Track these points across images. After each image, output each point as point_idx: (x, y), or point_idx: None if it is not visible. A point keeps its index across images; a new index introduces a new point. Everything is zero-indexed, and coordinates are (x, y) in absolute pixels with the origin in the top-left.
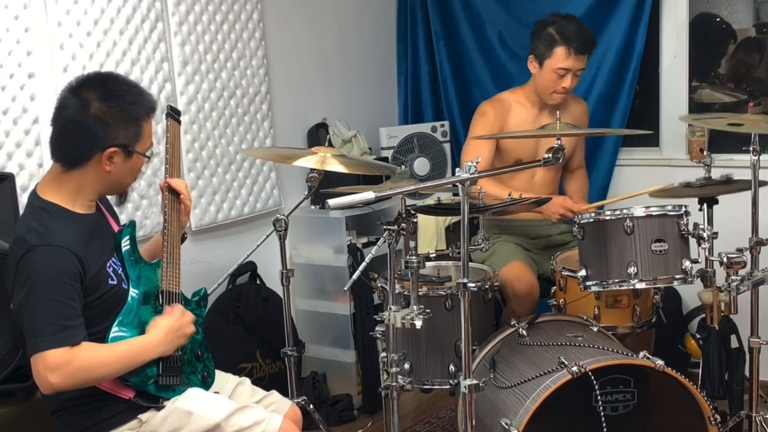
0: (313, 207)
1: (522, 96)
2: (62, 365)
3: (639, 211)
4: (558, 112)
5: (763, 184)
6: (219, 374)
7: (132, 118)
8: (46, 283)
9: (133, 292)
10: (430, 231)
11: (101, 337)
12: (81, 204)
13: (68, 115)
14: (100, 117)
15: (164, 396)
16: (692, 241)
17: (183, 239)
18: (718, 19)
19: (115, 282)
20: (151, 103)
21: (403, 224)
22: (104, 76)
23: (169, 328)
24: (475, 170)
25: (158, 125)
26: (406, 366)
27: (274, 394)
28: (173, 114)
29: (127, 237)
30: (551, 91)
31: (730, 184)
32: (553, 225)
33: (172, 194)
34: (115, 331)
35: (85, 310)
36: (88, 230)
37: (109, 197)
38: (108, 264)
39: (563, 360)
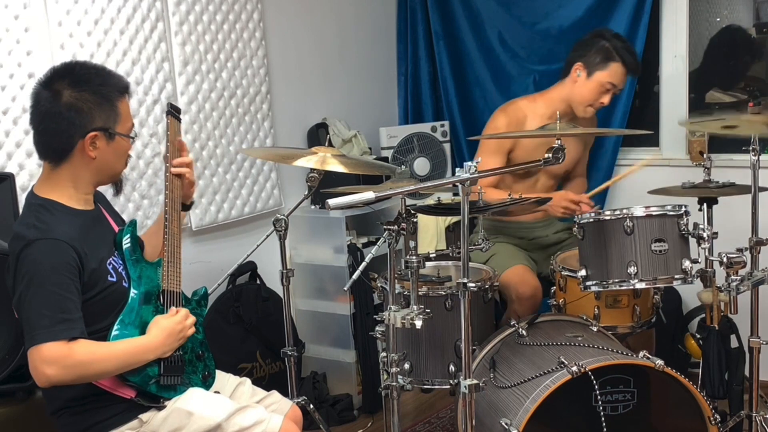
0: (313, 207)
1: (541, 104)
2: (59, 359)
3: (639, 211)
4: (558, 112)
5: (763, 189)
6: (219, 374)
7: (105, 99)
8: (44, 276)
9: (134, 292)
10: (430, 231)
11: (103, 336)
12: (78, 199)
13: (42, 109)
14: (72, 104)
15: (165, 396)
16: (692, 241)
17: (189, 207)
18: (717, 19)
19: (114, 279)
20: (122, 83)
21: (403, 224)
22: (70, 64)
23: (171, 330)
24: (475, 170)
25: (159, 125)
26: (406, 366)
27: (275, 395)
28: (173, 112)
29: (128, 236)
30: (588, 104)
31: (729, 187)
32: (550, 225)
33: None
34: (116, 330)
35: (85, 307)
36: (87, 226)
37: (105, 190)
38: (108, 261)
39: (563, 360)
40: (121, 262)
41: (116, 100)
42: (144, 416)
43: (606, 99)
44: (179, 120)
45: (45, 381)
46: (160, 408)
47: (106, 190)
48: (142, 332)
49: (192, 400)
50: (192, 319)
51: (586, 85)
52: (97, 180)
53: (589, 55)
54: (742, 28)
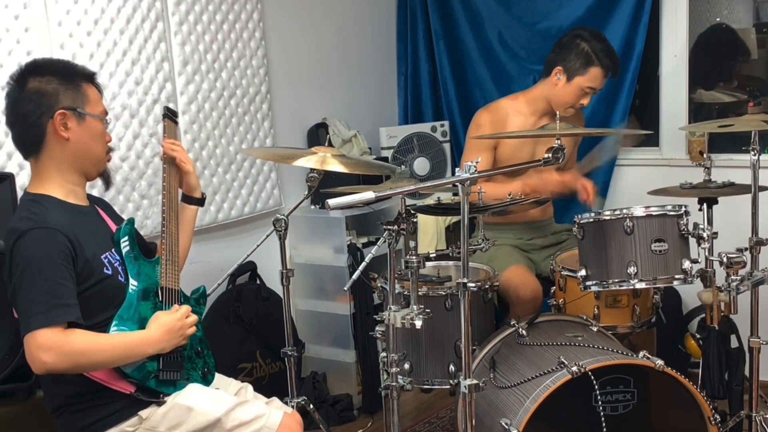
0: (313, 207)
1: (523, 102)
2: (55, 346)
3: (639, 211)
4: (558, 113)
5: (763, 188)
6: (221, 378)
7: (69, 80)
8: (37, 264)
9: (132, 287)
10: (430, 231)
11: (100, 331)
12: (68, 192)
13: (11, 100)
14: (37, 88)
15: (164, 391)
16: (692, 241)
17: (202, 202)
18: (717, 19)
19: (110, 272)
20: (85, 70)
21: (403, 224)
22: (35, 59)
23: (170, 326)
24: (475, 170)
25: (159, 125)
26: (406, 366)
27: (275, 402)
28: (169, 115)
29: (126, 233)
30: (568, 106)
31: (729, 187)
32: (548, 225)
33: (172, 166)
34: (114, 325)
35: (81, 300)
36: (80, 219)
37: (97, 185)
38: (103, 255)
39: (563, 360)
40: (118, 258)
41: (81, 83)
42: (143, 413)
43: (586, 101)
44: (176, 123)
45: (41, 368)
46: (160, 403)
47: (97, 187)
48: (141, 328)
49: (192, 396)
50: (193, 318)
51: (566, 89)
52: (79, 166)
53: (569, 60)
54: (729, 26)
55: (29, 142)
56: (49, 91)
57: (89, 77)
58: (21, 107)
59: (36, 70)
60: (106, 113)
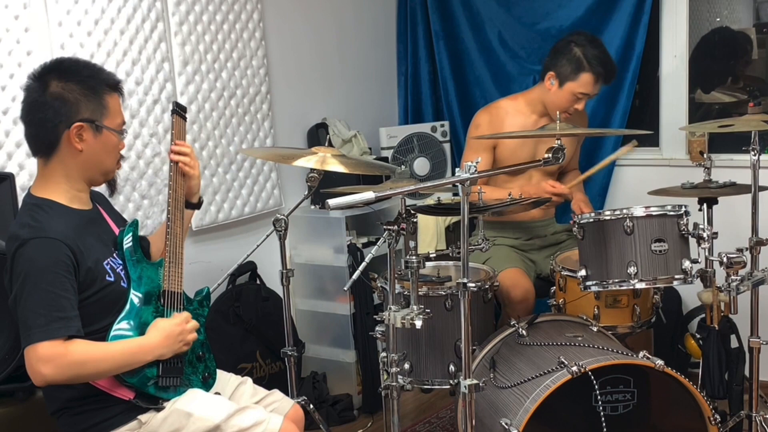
0: (313, 207)
1: (523, 103)
2: (55, 358)
3: (639, 211)
4: (558, 113)
5: (763, 188)
6: (221, 374)
7: (92, 91)
8: (38, 275)
9: (134, 293)
10: (430, 231)
11: (101, 336)
12: (72, 197)
13: (30, 100)
14: (59, 94)
15: (164, 397)
16: (692, 241)
17: (199, 205)
18: (717, 19)
19: (112, 279)
20: (111, 78)
21: (403, 224)
22: (61, 58)
23: (169, 332)
24: (475, 170)
25: (159, 125)
26: (406, 366)
27: (276, 393)
28: (178, 110)
29: (129, 236)
30: (562, 111)
31: (730, 187)
32: (549, 225)
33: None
34: (115, 330)
35: (82, 307)
36: (83, 225)
37: (101, 189)
38: (105, 261)
39: (563, 360)
40: (120, 262)
41: (104, 94)
42: (143, 417)
43: (580, 105)
44: (185, 119)
45: (41, 380)
46: (159, 409)
47: (102, 191)
48: (142, 333)
49: (191, 401)
50: (194, 323)
51: (558, 95)
52: (88, 176)
53: (561, 65)
54: (730, 27)
55: (41, 145)
56: (70, 100)
57: (114, 86)
58: (39, 110)
59: (60, 72)
60: (124, 123)
